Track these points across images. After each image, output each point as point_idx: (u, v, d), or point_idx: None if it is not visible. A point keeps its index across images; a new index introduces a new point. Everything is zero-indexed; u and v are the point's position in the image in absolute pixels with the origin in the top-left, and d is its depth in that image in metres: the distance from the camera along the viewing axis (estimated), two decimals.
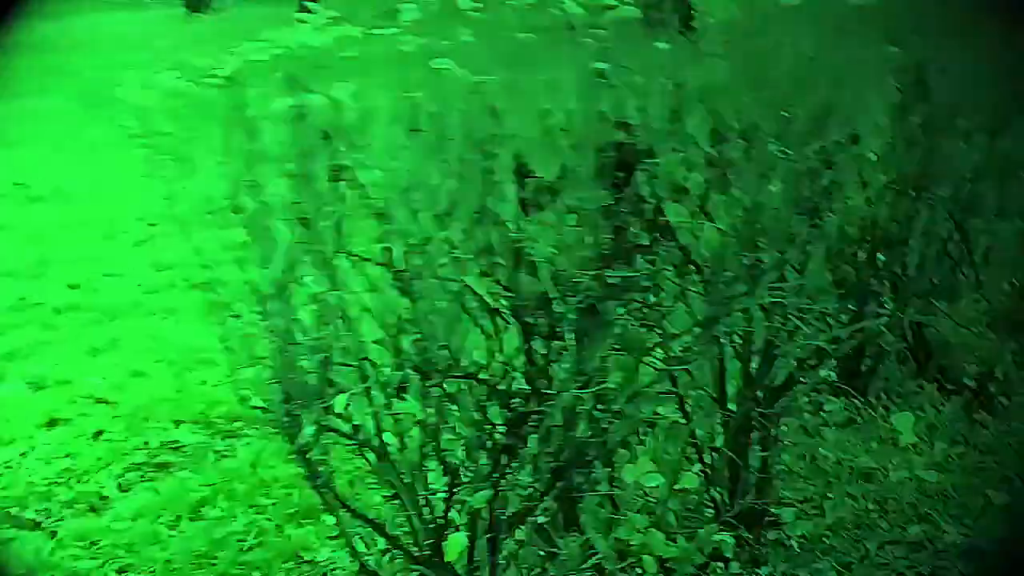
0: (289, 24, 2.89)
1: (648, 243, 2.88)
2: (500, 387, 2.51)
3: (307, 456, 2.43)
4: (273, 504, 3.67)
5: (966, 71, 4.06)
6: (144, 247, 6.55)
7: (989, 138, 4.12)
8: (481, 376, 2.51)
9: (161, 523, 3.60)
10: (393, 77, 2.55)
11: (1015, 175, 4.40)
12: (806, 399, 4.12)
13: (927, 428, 3.96)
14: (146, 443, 4.21)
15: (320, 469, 2.49)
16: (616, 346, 2.85)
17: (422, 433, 2.46)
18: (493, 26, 2.62)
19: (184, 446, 4.20)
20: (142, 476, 3.98)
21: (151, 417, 4.40)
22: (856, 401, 4.15)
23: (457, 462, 2.52)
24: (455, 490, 2.50)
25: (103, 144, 8.57)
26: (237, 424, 4.31)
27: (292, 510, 3.59)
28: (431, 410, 2.47)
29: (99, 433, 4.28)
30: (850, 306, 3.76)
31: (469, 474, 2.53)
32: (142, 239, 6.69)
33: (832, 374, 4.23)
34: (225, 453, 4.12)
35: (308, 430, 2.35)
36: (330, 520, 3.29)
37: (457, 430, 2.50)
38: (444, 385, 2.44)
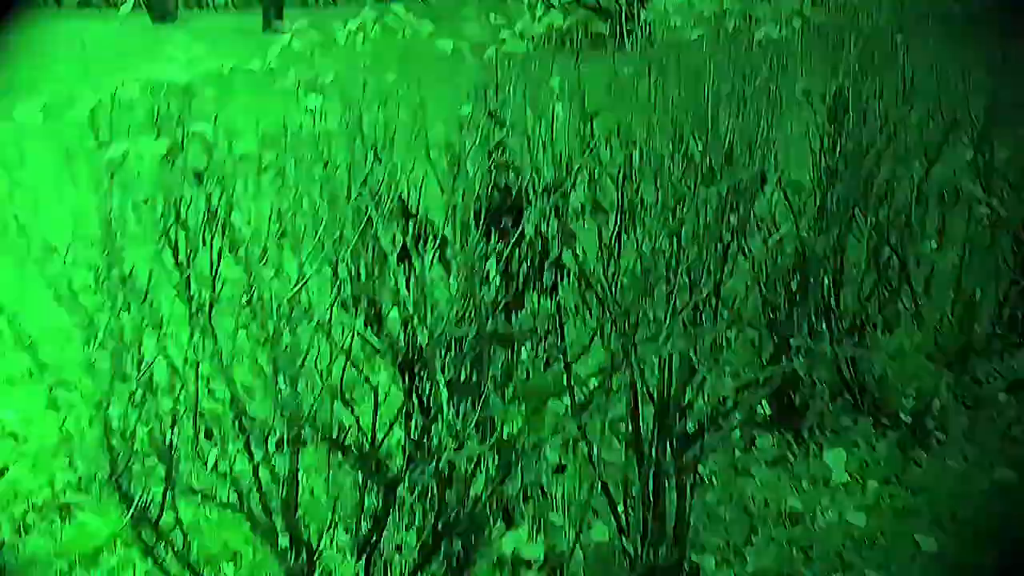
0: (231, 41, 2.74)
1: (548, 286, 2.75)
2: (370, 448, 2.34)
3: (153, 524, 2.26)
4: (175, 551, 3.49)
5: (901, 96, 3.95)
6: (71, 269, 6.32)
7: (925, 164, 4.01)
8: (352, 439, 2.35)
9: (53, 571, 3.41)
10: (264, 114, 2.39)
11: (954, 202, 4.30)
12: (738, 434, 3.99)
13: (860, 466, 3.82)
14: (51, 482, 4.01)
15: (171, 538, 2.32)
16: (519, 393, 2.71)
17: (290, 496, 2.29)
18: (376, 60, 2.48)
19: (91, 485, 4.00)
20: (42, 518, 3.78)
21: (60, 454, 4.20)
22: (789, 437, 4.01)
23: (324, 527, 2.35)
24: (316, 557, 2.33)
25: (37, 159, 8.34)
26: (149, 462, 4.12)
27: (193, 558, 3.41)
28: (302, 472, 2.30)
29: (2, 472, 4.08)
30: (775, 339, 3.63)
31: (344, 538, 2.37)
32: (72, 260, 6.46)
33: (766, 408, 4.10)
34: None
35: (155, 493, 2.19)
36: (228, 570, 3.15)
37: (329, 494, 2.34)
38: (314, 447, 2.28)
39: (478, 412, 2.37)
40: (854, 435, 3.99)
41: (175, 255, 2.50)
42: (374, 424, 2.44)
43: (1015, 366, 4.39)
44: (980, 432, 4.04)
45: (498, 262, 2.46)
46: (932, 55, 3.83)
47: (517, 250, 2.49)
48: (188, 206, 2.46)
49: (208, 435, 2.49)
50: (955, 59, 3.94)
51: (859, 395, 4.09)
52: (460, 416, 2.46)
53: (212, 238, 2.45)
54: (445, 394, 2.34)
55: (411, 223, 2.41)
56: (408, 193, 2.46)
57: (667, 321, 2.64)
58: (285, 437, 2.26)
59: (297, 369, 2.23)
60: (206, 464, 2.45)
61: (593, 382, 2.85)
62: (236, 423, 2.39)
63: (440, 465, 2.32)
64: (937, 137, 3.89)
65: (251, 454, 2.39)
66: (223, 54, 2.57)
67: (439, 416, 2.38)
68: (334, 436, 2.29)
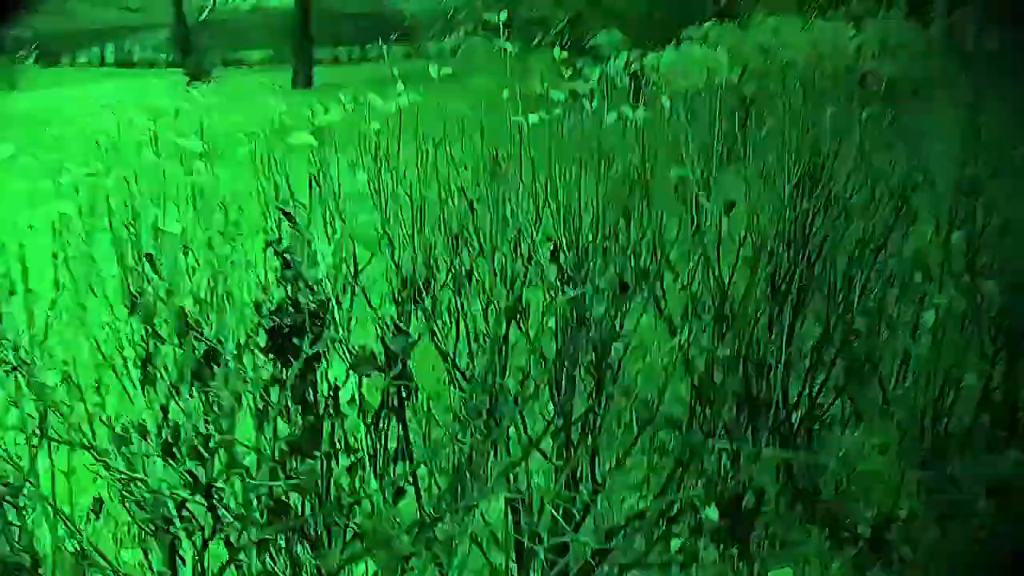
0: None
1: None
2: None
3: None
4: None
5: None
6: None
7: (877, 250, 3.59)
8: None
9: None
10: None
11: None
12: (678, 544, 3.57)
13: None
14: None
15: None
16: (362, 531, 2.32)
17: None
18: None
19: None
20: None
21: None
22: (735, 550, 3.56)
23: None
24: None
25: None
26: None
27: None
28: None
29: None
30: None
31: None
32: None
33: (713, 515, 3.66)
34: None
35: None
36: None
37: None
38: None
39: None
40: (806, 550, 3.54)
41: None
42: None
43: (998, 465, 3.89)
44: (952, 546, 3.55)
45: (284, 388, 2.07)
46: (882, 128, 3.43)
47: (313, 375, 2.10)
48: None
49: None
50: (912, 131, 3.54)
51: (812, 503, 3.63)
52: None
53: None
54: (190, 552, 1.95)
55: (197, 343, 2.04)
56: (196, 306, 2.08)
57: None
58: None
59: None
60: None
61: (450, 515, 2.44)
62: None
63: None
64: (887, 216, 3.47)
65: None
66: None
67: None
68: None
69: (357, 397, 2.32)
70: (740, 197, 3.39)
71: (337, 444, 2.19)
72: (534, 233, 2.51)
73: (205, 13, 26.89)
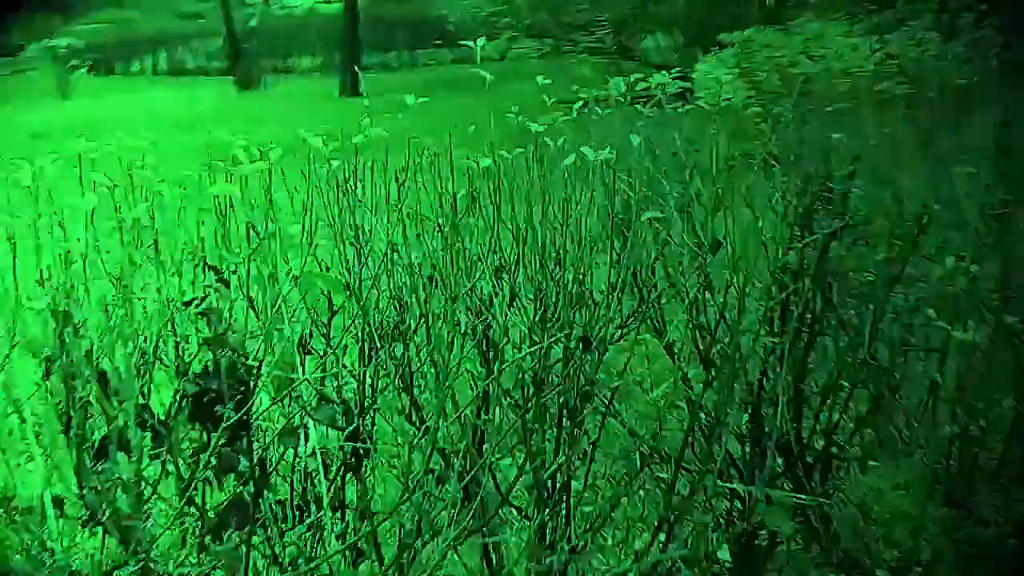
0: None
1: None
2: None
3: None
4: None
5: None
6: None
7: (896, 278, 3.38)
8: None
9: None
10: None
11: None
12: None
13: None
14: None
15: None
16: None
17: None
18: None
19: None
20: None
21: None
22: None
23: None
24: None
25: None
26: None
27: None
28: None
29: None
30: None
31: None
32: None
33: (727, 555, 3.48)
34: None
35: None
36: None
37: None
38: None
39: None
40: None
41: None
42: None
43: None
44: None
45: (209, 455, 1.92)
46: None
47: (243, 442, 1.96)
48: None
49: None
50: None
51: (828, 544, 3.43)
52: None
53: None
54: None
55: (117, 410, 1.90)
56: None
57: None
58: None
59: None
60: None
61: None
62: None
63: None
64: (907, 242, 3.27)
65: None
66: None
67: None
68: None
69: (319, 455, 2.18)
70: (745, 225, 3.21)
71: (277, 511, 2.06)
72: (502, 282, 2.36)
73: (253, 19, 27.07)
